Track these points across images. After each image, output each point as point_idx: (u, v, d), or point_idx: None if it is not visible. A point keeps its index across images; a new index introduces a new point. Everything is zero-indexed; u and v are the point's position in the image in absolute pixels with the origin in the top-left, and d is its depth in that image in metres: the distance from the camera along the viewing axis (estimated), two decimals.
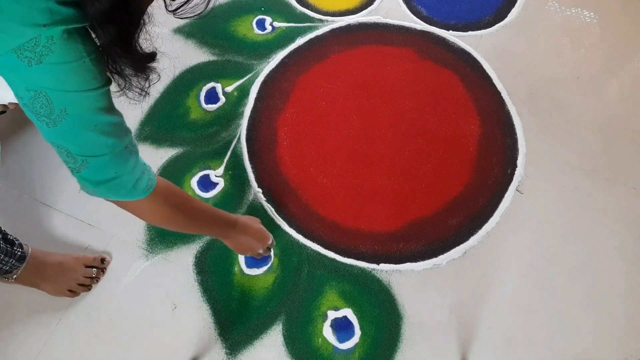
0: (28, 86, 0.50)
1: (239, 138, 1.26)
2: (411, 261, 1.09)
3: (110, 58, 0.53)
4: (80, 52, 0.49)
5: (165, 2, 0.54)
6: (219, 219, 0.89)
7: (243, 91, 1.34)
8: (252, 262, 1.08)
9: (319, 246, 1.10)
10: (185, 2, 0.54)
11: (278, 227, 1.13)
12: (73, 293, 1.02)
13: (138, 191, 0.64)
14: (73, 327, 1.01)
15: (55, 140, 0.56)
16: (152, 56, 0.56)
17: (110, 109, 0.57)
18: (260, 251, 1.01)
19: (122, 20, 0.49)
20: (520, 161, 1.21)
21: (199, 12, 0.56)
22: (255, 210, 1.15)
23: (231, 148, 1.24)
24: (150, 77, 0.57)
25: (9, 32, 0.46)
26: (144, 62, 0.55)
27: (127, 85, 0.56)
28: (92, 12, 0.46)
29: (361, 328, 1.01)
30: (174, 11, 0.56)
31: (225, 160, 1.22)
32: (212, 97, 1.33)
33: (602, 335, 1.00)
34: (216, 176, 1.20)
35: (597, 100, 1.31)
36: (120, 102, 0.60)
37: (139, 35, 0.52)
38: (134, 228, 1.12)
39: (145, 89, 0.58)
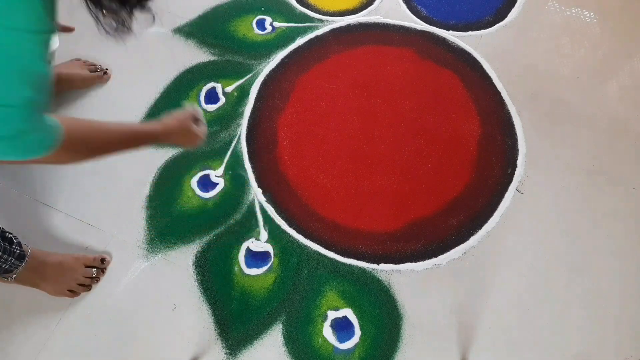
0: None
1: (239, 138, 1.26)
2: (411, 261, 1.09)
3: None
4: None
5: None
6: (136, 137, 0.83)
7: (243, 91, 1.34)
8: (252, 262, 1.08)
9: (319, 246, 1.10)
10: None
11: (278, 227, 1.13)
12: (73, 293, 1.02)
13: (43, 148, 0.59)
14: (73, 327, 1.01)
15: None
16: None
17: (47, 60, 0.53)
18: (200, 142, 0.97)
19: None
20: (520, 161, 1.21)
21: None
22: (255, 210, 1.15)
23: (231, 148, 1.24)
24: (135, 12, 0.52)
25: None
26: None
27: (118, 21, 0.52)
28: None
29: (361, 328, 1.01)
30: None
31: (225, 160, 1.22)
32: (212, 97, 1.33)
33: (602, 335, 1.00)
34: (216, 176, 1.20)
35: (597, 100, 1.31)
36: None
37: None
38: (134, 228, 1.12)
39: (127, 24, 0.54)
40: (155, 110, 1.29)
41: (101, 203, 1.15)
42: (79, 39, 1.44)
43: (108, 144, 0.76)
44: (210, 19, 1.48)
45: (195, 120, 0.95)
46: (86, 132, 0.70)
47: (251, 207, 1.15)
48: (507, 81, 1.34)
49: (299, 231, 1.12)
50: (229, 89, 1.34)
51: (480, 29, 1.46)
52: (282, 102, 1.32)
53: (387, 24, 1.48)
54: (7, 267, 0.94)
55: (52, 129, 0.60)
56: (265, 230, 1.12)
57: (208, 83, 1.35)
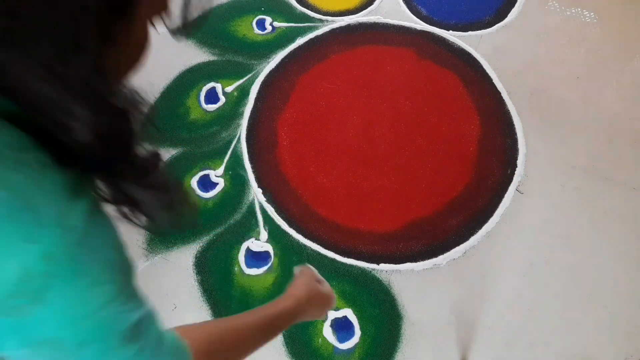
0: (23, 342, 0.29)
1: (239, 138, 1.26)
2: (411, 261, 1.09)
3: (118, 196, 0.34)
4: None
5: (167, 27, 0.38)
6: (271, 325, 0.69)
7: (243, 91, 1.34)
8: (252, 262, 1.08)
9: (319, 246, 1.10)
10: (187, 9, 0.37)
11: (278, 227, 1.12)
12: None
13: None
14: None
15: None
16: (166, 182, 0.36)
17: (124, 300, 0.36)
18: (332, 309, 0.88)
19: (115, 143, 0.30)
20: (520, 161, 1.21)
21: (204, 11, 0.38)
22: (255, 210, 1.15)
23: (231, 148, 1.24)
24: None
25: None
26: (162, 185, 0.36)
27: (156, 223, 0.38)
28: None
29: (361, 328, 1.01)
30: (180, 29, 0.38)
31: (225, 160, 1.22)
32: (212, 97, 1.33)
33: (602, 335, 1.00)
34: (216, 176, 1.20)
35: (597, 100, 1.31)
36: None
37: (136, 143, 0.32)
38: (134, 228, 1.12)
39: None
40: (155, 110, 1.30)
41: None
42: None
43: (243, 342, 0.61)
44: (210, 19, 1.48)
45: (317, 279, 0.79)
46: (216, 340, 0.55)
47: (251, 207, 1.15)
48: (507, 81, 1.34)
49: (299, 231, 1.12)
50: (229, 88, 1.34)
51: (480, 29, 1.46)
52: (282, 102, 1.32)
53: (387, 24, 1.48)
54: None
55: (179, 352, 0.44)
56: (265, 230, 1.12)
57: (208, 83, 1.35)
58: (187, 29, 0.37)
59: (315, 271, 0.79)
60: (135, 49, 0.33)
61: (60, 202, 0.28)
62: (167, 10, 0.34)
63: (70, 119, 0.26)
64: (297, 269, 0.77)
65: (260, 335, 0.66)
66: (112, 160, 0.30)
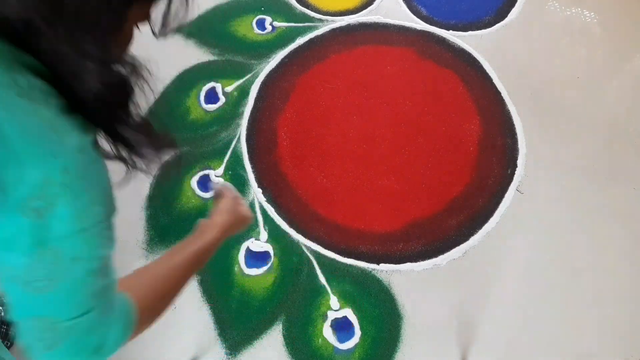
0: (33, 244, 0.36)
1: (238, 138, 1.26)
2: (411, 261, 1.09)
3: (118, 141, 0.44)
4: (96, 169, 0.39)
5: (152, 30, 0.48)
6: (199, 259, 0.71)
7: (243, 91, 1.34)
8: (252, 262, 1.08)
9: (319, 246, 1.10)
10: (166, 18, 0.46)
11: (278, 227, 1.12)
12: None
13: (127, 333, 0.48)
14: None
15: (40, 310, 0.38)
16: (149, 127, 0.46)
17: (104, 245, 0.43)
18: (251, 220, 0.83)
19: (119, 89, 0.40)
20: (520, 161, 1.21)
21: (181, 21, 0.47)
22: (255, 210, 1.15)
23: (231, 148, 1.24)
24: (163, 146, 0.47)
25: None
26: (153, 137, 0.46)
27: (136, 164, 0.47)
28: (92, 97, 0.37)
29: (361, 328, 1.01)
30: (161, 31, 0.48)
31: (225, 160, 1.22)
32: (212, 97, 1.33)
33: (602, 335, 1.00)
34: (216, 176, 1.20)
35: (597, 100, 1.31)
36: None
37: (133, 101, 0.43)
38: (134, 228, 1.12)
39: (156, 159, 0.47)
40: (155, 110, 1.29)
41: None
42: None
43: (177, 285, 0.66)
44: (210, 19, 1.48)
45: (236, 198, 0.81)
46: (154, 291, 0.60)
47: (251, 207, 1.15)
48: (508, 81, 1.34)
49: (299, 231, 1.12)
50: (228, 88, 1.34)
51: (480, 29, 1.46)
52: (282, 102, 1.32)
53: (387, 23, 1.48)
54: None
55: (126, 316, 0.48)
56: (265, 230, 1.12)
57: (208, 83, 1.35)
58: (166, 33, 0.49)
59: (234, 190, 0.78)
60: (124, 42, 0.44)
61: (77, 134, 0.37)
62: (149, 18, 0.46)
63: (84, 71, 0.36)
64: (216, 187, 0.79)
65: (190, 272, 0.70)
66: (115, 108, 0.40)
